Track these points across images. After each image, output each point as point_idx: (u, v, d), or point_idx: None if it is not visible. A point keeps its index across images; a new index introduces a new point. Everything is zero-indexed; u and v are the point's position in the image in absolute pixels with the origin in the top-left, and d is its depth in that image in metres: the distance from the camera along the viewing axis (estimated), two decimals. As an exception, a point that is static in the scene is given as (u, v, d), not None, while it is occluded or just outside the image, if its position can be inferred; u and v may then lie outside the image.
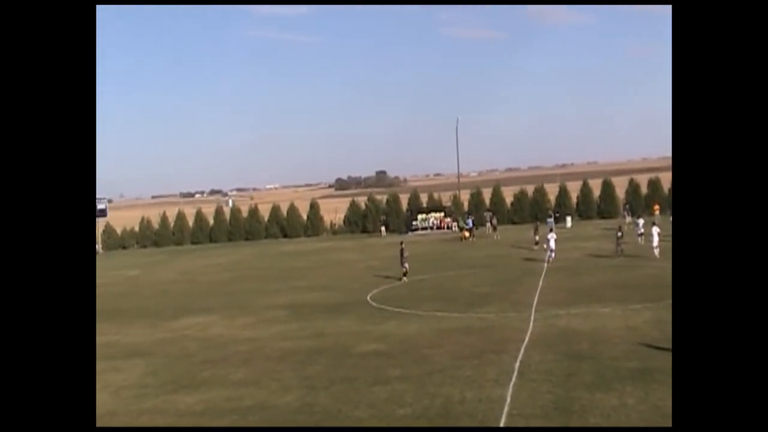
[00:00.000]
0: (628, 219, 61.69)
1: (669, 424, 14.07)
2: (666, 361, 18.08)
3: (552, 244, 41.16)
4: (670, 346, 19.37)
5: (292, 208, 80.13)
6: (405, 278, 37.56)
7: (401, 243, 39.93)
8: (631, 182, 73.59)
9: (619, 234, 40.65)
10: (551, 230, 44.25)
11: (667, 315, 22.89)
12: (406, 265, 38.17)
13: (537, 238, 49.74)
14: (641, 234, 45.61)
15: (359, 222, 77.18)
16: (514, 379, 17.66)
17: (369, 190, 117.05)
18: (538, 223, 58.01)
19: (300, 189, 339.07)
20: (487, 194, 75.28)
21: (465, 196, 76.44)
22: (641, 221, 48.41)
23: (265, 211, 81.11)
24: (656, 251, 39.05)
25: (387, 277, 39.09)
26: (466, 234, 60.85)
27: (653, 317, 23.79)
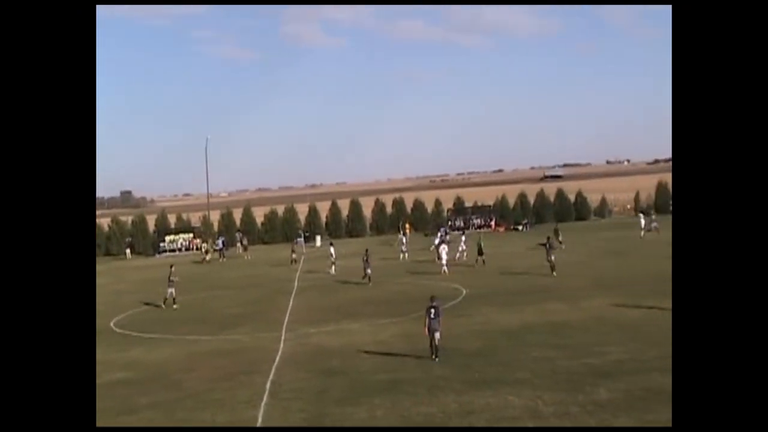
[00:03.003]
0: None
1: (414, 432, 14.79)
2: (412, 371, 18.98)
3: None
4: (416, 357, 20.37)
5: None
6: (171, 305, 34.68)
7: (171, 266, 36.92)
8: (377, 202, 76.65)
9: (365, 258, 39.25)
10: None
11: (412, 327, 24.03)
12: (172, 290, 34.88)
13: (294, 256, 50.67)
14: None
15: (103, 244, 73.29)
16: (265, 399, 17.64)
17: (113, 210, 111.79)
18: (295, 243, 58.85)
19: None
20: (238, 214, 74.79)
21: (216, 217, 75.37)
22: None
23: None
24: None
25: (135, 301, 37.48)
26: (207, 257, 60.42)
27: (400, 331, 24.85)
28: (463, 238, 49.02)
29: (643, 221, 54.40)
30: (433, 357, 20.17)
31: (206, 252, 61.50)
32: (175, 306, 34.50)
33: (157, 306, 35.39)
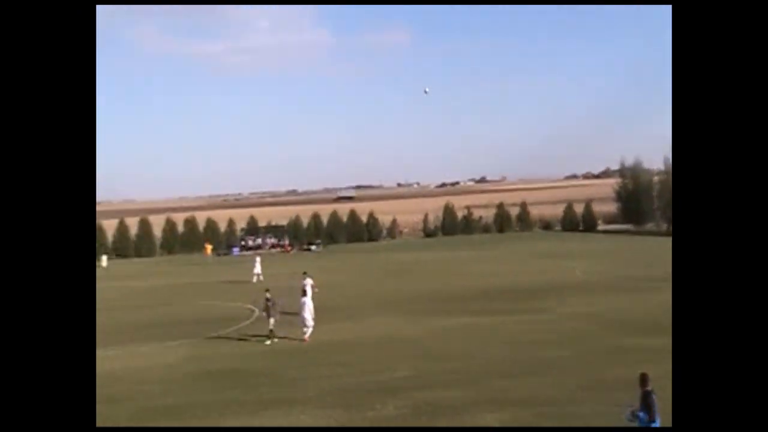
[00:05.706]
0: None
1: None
2: (203, 394, 18.72)
3: None
4: (208, 379, 20.08)
5: None
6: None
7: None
8: (168, 220, 74.59)
9: None
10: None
11: (203, 350, 23.69)
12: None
13: None
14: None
15: None
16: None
17: None
18: None
19: None
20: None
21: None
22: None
23: None
24: None
25: None
26: None
27: (190, 353, 24.37)
28: (258, 259, 47.48)
29: None
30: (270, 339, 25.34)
31: None
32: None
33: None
